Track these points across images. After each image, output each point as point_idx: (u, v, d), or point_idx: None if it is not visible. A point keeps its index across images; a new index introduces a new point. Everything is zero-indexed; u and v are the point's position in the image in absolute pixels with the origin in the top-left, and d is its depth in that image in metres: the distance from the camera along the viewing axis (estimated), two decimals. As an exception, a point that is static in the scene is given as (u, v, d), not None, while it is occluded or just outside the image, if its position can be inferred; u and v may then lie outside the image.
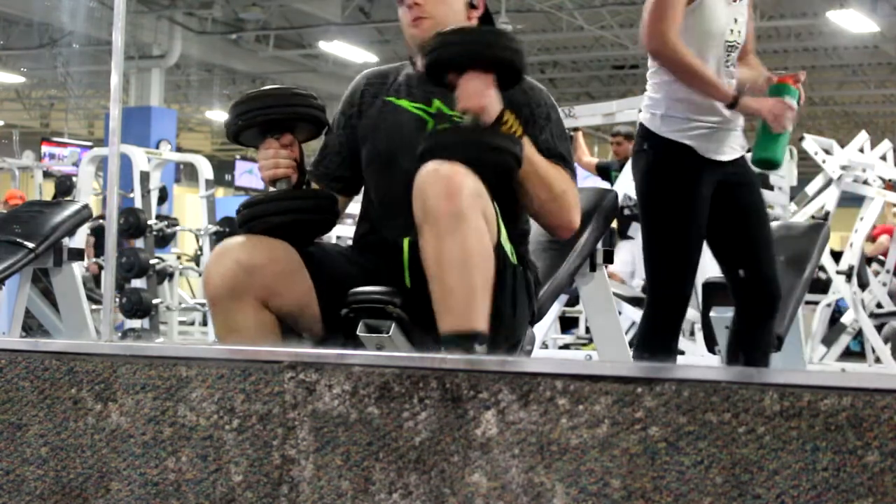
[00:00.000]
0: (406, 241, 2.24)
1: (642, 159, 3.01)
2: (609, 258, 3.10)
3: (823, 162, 6.15)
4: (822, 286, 6.59)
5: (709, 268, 4.11)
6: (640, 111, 3.06)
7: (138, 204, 7.01)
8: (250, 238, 2.24)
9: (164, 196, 7.93)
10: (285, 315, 2.23)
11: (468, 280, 2.00)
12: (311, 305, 2.24)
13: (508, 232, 2.23)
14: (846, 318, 6.36)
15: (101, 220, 6.80)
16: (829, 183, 6.15)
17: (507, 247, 2.19)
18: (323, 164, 2.46)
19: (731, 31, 2.96)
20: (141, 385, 1.67)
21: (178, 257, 8.07)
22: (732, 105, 2.92)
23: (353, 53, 14.55)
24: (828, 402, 1.33)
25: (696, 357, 5.59)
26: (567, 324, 7.60)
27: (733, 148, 3.00)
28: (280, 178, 2.32)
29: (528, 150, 2.24)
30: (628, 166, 4.41)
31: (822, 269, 6.26)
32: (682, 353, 5.96)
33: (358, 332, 2.19)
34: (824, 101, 17.98)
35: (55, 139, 15.49)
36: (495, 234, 2.12)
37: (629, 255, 6.45)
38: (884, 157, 6.52)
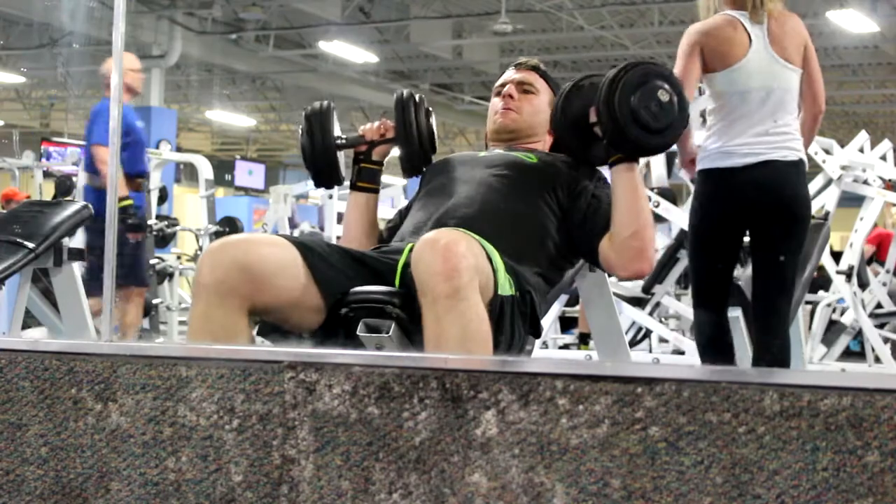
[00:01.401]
0: (409, 246, 2.28)
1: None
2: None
3: (823, 162, 6.15)
4: (821, 286, 6.58)
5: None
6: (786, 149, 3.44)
7: (138, 204, 7.01)
8: (248, 236, 2.27)
9: (164, 196, 7.93)
10: (275, 310, 2.22)
11: None
12: (305, 301, 2.23)
13: (519, 270, 2.28)
14: (846, 318, 6.36)
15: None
16: (829, 183, 6.15)
17: (506, 282, 2.20)
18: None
19: None
20: (141, 385, 1.67)
21: (178, 257, 8.07)
22: None
23: (353, 53, 14.54)
24: (828, 402, 1.33)
25: (696, 357, 5.58)
26: (567, 324, 7.59)
27: None
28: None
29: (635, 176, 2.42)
30: None
31: (821, 269, 6.26)
32: (682, 353, 5.96)
33: (358, 332, 2.19)
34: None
35: (55, 139, 15.48)
36: (491, 289, 2.13)
37: None
38: (884, 157, 6.51)
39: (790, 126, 3.43)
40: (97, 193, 5.34)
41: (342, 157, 2.72)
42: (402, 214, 2.71)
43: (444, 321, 2.00)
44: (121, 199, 5.42)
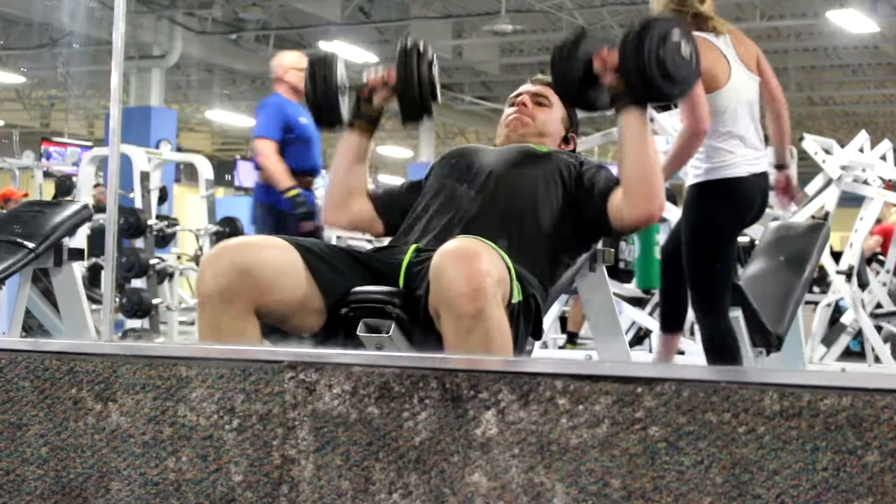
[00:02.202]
0: (413, 247, 2.29)
1: None
2: (609, 258, 3.11)
3: (823, 162, 6.15)
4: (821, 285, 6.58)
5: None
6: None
7: (138, 204, 7.00)
8: (247, 239, 2.28)
9: (164, 196, 7.93)
10: (278, 312, 2.22)
11: None
12: (307, 302, 2.23)
13: (522, 273, 2.28)
14: (846, 318, 6.35)
15: (100, 221, 6.81)
16: (829, 183, 6.14)
17: (516, 289, 2.20)
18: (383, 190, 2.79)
19: None
20: (141, 385, 1.67)
21: (178, 257, 8.05)
22: None
23: (353, 53, 14.54)
24: (828, 402, 1.33)
25: (696, 357, 5.59)
26: (567, 324, 7.59)
27: None
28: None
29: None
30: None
31: (821, 269, 6.26)
32: (682, 353, 5.96)
33: (358, 332, 2.19)
34: (824, 101, 17.98)
35: (55, 139, 15.48)
36: (508, 295, 2.13)
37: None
38: (884, 157, 6.51)
39: (762, 135, 3.69)
40: (264, 188, 5.30)
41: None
42: (402, 190, 2.75)
43: (469, 339, 2.00)
44: (288, 189, 5.24)
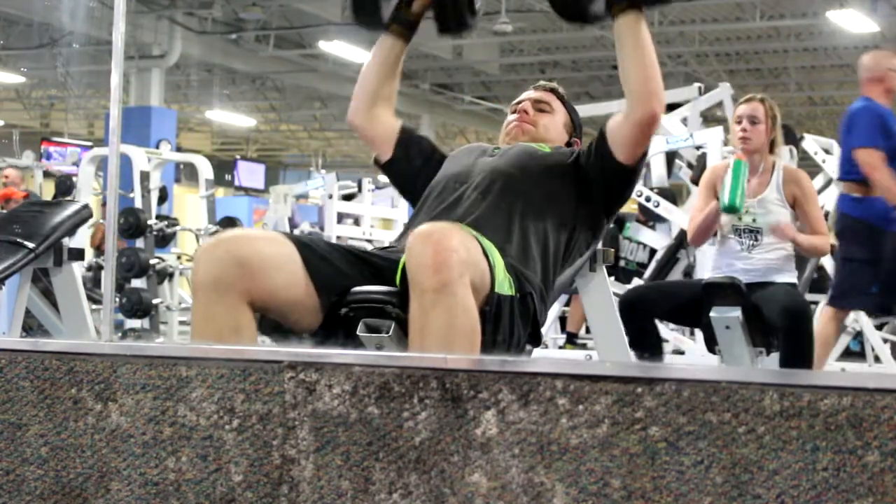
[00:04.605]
0: None
1: None
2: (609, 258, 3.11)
3: (823, 162, 6.16)
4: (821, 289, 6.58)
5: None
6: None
7: (138, 204, 7.01)
8: (243, 231, 2.28)
9: (164, 196, 7.94)
10: (274, 307, 2.22)
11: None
12: (303, 298, 2.23)
13: (522, 271, 2.28)
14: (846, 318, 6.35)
15: (101, 221, 6.82)
16: (829, 183, 6.15)
17: (506, 282, 2.20)
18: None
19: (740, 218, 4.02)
20: (141, 385, 1.67)
21: (178, 257, 8.06)
22: None
23: (353, 53, 14.54)
24: (828, 402, 1.33)
25: (696, 357, 5.59)
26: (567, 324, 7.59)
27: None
28: None
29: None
30: None
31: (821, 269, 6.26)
32: (682, 353, 5.97)
33: (358, 332, 2.19)
34: (824, 101, 17.98)
35: (55, 139, 15.49)
36: (488, 286, 2.14)
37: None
38: (883, 157, 6.50)
39: None
40: (857, 200, 4.63)
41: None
42: (426, 143, 2.79)
43: (430, 314, 2.00)
44: None
